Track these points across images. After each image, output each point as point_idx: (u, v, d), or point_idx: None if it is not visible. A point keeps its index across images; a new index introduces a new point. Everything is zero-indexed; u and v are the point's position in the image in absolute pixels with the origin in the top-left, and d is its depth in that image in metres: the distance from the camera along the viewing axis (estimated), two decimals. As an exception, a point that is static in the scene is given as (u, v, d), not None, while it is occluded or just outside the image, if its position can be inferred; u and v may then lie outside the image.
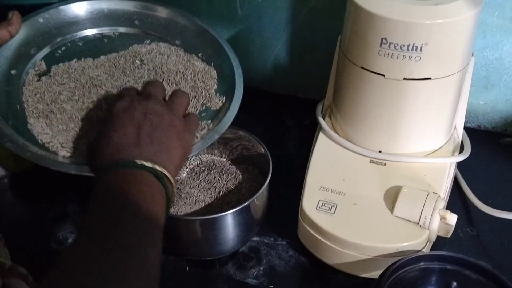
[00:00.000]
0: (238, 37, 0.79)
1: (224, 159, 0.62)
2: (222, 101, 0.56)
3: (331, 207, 0.54)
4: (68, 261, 0.37)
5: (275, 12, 0.74)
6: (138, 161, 0.43)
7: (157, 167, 0.44)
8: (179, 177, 0.60)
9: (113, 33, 0.60)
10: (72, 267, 0.36)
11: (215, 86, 0.57)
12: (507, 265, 0.56)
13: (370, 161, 0.58)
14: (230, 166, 0.61)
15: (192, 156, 0.62)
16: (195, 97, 0.56)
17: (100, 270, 0.35)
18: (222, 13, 0.77)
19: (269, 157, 0.55)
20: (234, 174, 0.59)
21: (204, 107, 0.55)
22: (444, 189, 0.56)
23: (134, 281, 0.36)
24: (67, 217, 0.62)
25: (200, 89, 0.56)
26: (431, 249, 0.55)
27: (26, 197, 0.67)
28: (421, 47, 0.49)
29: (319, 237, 0.54)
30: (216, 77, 0.58)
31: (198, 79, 0.57)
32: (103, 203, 0.41)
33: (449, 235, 0.53)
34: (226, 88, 0.57)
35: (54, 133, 0.50)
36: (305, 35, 0.74)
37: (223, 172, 0.60)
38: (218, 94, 0.57)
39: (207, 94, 0.56)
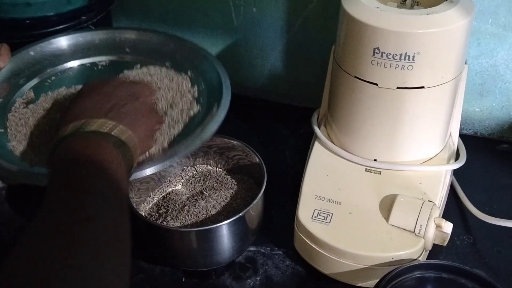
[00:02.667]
0: (234, 47, 0.79)
1: (220, 169, 0.62)
2: (199, 110, 0.54)
3: (327, 217, 0.54)
4: (32, 234, 0.33)
5: (270, 22, 0.74)
6: (102, 127, 0.41)
7: (120, 134, 0.42)
8: (174, 188, 0.60)
9: (105, 61, 0.60)
10: (37, 242, 0.32)
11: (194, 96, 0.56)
12: (504, 273, 0.56)
13: (366, 170, 0.58)
14: (225, 176, 0.61)
15: (188, 167, 0.62)
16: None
17: (68, 245, 0.32)
18: (218, 24, 0.77)
19: (264, 167, 0.55)
20: (229, 184, 0.59)
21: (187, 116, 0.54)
22: (440, 197, 0.56)
23: (107, 252, 0.33)
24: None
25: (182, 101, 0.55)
26: (428, 258, 0.55)
27: (23, 209, 0.67)
28: (413, 56, 0.50)
29: (315, 247, 0.53)
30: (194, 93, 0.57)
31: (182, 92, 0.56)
32: (65, 172, 0.38)
33: (445, 243, 0.53)
34: (216, 99, 0.56)
35: (36, 154, 0.49)
36: (300, 44, 0.75)
37: (219, 182, 0.60)
38: (200, 104, 0.55)
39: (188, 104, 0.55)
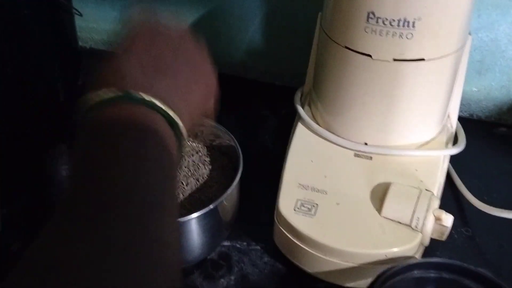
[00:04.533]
0: (208, 17, 0.72)
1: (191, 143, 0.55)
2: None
3: (311, 208, 0.48)
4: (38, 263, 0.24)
5: (248, -11, 0.67)
6: (147, 98, 0.30)
7: (170, 112, 0.31)
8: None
9: None
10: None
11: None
12: (506, 270, 0.51)
13: (355, 155, 0.52)
14: (199, 156, 0.54)
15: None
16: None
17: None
18: (189, -9, 0.70)
19: (240, 151, 0.49)
20: (203, 169, 0.52)
21: None
22: (438, 185, 0.50)
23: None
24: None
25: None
26: (424, 254, 0.49)
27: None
28: (413, 23, 0.43)
29: (298, 242, 0.47)
30: None
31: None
32: (92, 158, 0.28)
33: (444, 238, 0.47)
34: None
35: None
36: (283, 14, 0.68)
37: (191, 166, 0.52)
38: None
39: None
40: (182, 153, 0.34)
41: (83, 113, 0.31)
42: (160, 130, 0.30)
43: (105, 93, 0.31)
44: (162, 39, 0.36)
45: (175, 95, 0.33)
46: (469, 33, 0.51)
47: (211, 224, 0.45)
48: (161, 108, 0.31)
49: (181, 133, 0.32)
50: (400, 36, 0.44)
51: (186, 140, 0.33)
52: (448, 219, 0.46)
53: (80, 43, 0.79)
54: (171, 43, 0.36)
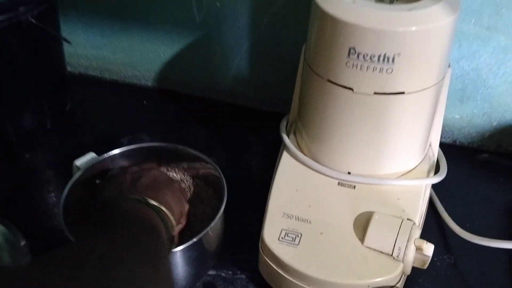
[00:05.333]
0: (196, 45, 0.73)
1: (175, 175, 0.55)
2: None
3: (295, 237, 0.48)
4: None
5: (235, 18, 0.68)
6: (150, 202, 0.44)
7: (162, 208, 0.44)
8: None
9: None
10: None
11: None
12: (488, 298, 0.51)
13: (339, 184, 0.52)
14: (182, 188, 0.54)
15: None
16: None
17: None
18: (178, 19, 0.71)
19: (225, 183, 0.49)
20: (187, 197, 0.53)
21: None
22: (420, 214, 0.50)
23: None
24: None
25: None
26: (407, 281, 0.50)
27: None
28: (393, 58, 0.44)
29: (281, 272, 0.47)
30: None
31: None
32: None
33: (425, 267, 0.48)
34: None
35: None
36: (268, 43, 0.69)
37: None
38: None
39: None
40: (173, 241, 0.44)
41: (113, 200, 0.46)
42: (155, 223, 0.42)
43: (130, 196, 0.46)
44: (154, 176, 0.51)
45: (167, 203, 0.46)
46: (449, 66, 0.52)
47: (196, 255, 0.46)
48: (158, 208, 0.44)
49: (171, 226, 0.44)
50: (381, 70, 0.45)
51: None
52: (429, 249, 0.47)
53: (69, 69, 0.80)
54: (160, 177, 0.51)
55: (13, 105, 0.66)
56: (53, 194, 0.62)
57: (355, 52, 0.45)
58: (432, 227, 0.58)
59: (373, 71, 0.45)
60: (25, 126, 0.68)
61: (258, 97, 0.75)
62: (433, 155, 0.57)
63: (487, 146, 0.69)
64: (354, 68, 0.45)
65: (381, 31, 0.43)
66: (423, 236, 0.48)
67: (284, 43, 0.68)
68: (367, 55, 0.44)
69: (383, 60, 0.44)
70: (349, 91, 0.47)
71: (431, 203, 0.60)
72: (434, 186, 0.60)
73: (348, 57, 0.45)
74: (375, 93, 0.46)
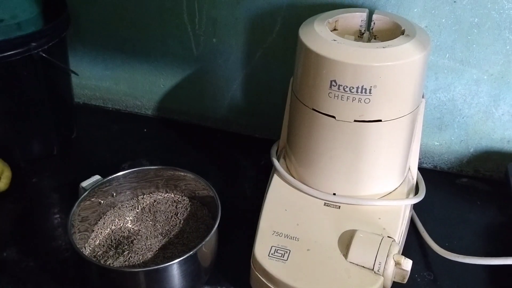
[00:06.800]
0: (194, 77, 0.78)
1: (171, 196, 0.59)
2: None
3: (284, 254, 0.52)
4: None
5: (230, 53, 0.73)
6: None
7: None
8: (124, 220, 0.57)
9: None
10: None
11: None
12: (465, 311, 0.55)
13: (325, 204, 0.56)
14: (179, 207, 0.58)
15: (138, 198, 0.59)
16: None
17: None
18: (177, 53, 0.76)
19: (218, 201, 0.53)
20: (182, 215, 0.57)
21: None
22: (399, 232, 0.54)
23: None
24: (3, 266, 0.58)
25: None
26: (388, 296, 0.53)
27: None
28: (370, 89, 0.49)
29: (272, 286, 0.51)
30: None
31: None
32: None
33: (405, 281, 0.51)
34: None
35: None
36: (260, 76, 0.74)
37: (169, 212, 0.57)
38: None
39: None
40: None
41: None
42: None
43: None
44: None
45: None
46: (423, 96, 0.57)
47: (191, 269, 0.49)
48: None
49: None
50: (359, 100, 0.50)
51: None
52: (407, 264, 0.50)
53: (74, 99, 0.84)
54: None
55: (23, 133, 0.70)
56: (58, 215, 0.66)
57: (336, 84, 0.49)
58: (414, 246, 0.62)
59: (352, 101, 0.50)
60: (33, 152, 0.72)
61: (251, 125, 0.80)
62: (412, 178, 0.61)
63: (466, 171, 0.74)
64: (336, 98, 0.50)
65: (359, 65, 0.48)
66: (405, 254, 0.51)
67: (274, 76, 0.73)
68: (346, 87, 0.49)
69: (361, 91, 0.49)
70: (332, 119, 0.52)
71: (412, 223, 0.64)
72: (416, 208, 0.64)
73: (330, 88, 0.50)
74: (355, 120, 0.51)
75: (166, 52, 0.76)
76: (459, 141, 0.71)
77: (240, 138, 0.80)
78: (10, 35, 0.62)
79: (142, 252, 0.52)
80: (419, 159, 0.66)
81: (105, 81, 0.83)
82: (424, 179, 0.62)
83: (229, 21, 0.70)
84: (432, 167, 0.75)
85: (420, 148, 0.62)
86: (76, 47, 0.80)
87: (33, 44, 0.63)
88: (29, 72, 0.66)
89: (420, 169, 0.64)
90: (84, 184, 0.55)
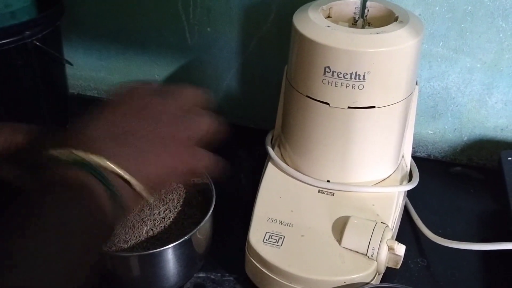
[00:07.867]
0: (188, 67, 0.78)
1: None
2: None
3: (278, 239, 0.53)
4: None
5: (224, 42, 0.73)
6: (87, 158, 0.33)
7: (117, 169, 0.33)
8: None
9: None
10: None
11: None
12: (458, 296, 0.55)
13: (319, 191, 0.57)
14: (174, 194, 0.58)
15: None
16: None
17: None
18: (172, 43, 0.76)
19: (213, 187, 0.53)
20: (180, 205, 0.57)
21: None
22: (393, 218, 0.55)
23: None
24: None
25: None
26: (381, 281, 0.54)
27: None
28: (363, 76, 0.49)
29: (266, 272, 0.51)
30: None
31: None
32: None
33: (398, 266, 0.52)
34: None
35: None
36: (255, 65, 0.74)
37: (166, 201, 0.57)
38: None
39: None
40: (124, 210, 0.35)
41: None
42: (91, 192, 0.32)
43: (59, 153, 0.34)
44: (136, 108, 0.39)
45: (129, 163, 0.35)
46: (416, 83, 0.57)
47: (186, 254, 0.49)
48: (97, 172, 0.33)
49: (118, 195, 0.34)
50: (353, 87, 0.50)
51: (150, 198, 0.36)
52: (400, 249, 0.51)
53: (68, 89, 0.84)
54: (145, 115, 0.39)
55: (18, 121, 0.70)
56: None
57: (330, 71, 0.50)
58: (407, 233, 0.62)
59: (346, 87, 0.50)
60: (27, 141, 0.72)
61: (246, 115, 0.80)
62: (406, 166, 0.62)
63: (459, 159, 0.74)
64: (330, 84, 0.50)
65: (353, 51, 0.49)
66: (399, 240, 0.51)
67: (269, 65, 0.73)
68: (340, 73, 0.50)
69: (355, 77, 0.49)
70: (326, 106, 0.52)
71: (406, 211, 0.64)
72: (410, 197, 0.65)
73: (324, 75, 0.50)
74: (349, 107, 0.51)
75: (161, 42, 0.76)
76: (452, 129, 0.72)
77: (236, 128, 0.79)
78: (4, 23, 0.62)
79: (136, 238, 0.52)
80: (413, 148, 0.67)
81: (100, 72, 0.83)
82: (418, 168, 0.63)
83: (223, 10, 0.70)
84: (426, 155, 0.75)
85: (414, 137, 0.62)
86: (71, 37, 0.80)
87: (27, 32, 0.63)
88: (23, 62, 0.65)
89: (414, 157, 0.64)
90: None
